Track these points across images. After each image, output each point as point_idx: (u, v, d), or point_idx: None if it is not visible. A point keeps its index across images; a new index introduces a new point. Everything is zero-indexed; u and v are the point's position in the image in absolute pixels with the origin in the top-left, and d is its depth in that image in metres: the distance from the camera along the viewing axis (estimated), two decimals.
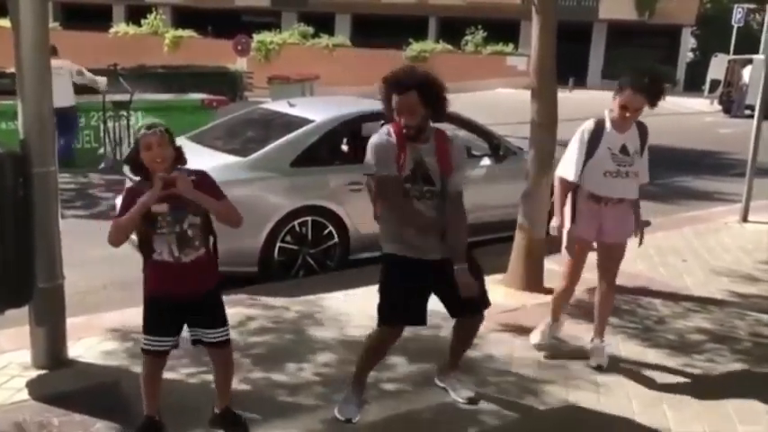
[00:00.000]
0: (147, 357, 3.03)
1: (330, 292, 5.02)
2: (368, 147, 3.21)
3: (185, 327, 3.04)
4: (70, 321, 3.86)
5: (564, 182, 3.86)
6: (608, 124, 3.78)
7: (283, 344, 4.19)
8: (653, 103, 3.73)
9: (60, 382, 3.57)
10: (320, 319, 4.59)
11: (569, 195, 3.87)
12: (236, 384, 3.63)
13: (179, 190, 2.79)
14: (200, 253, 2.94)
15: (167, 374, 3.68)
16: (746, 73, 21.37)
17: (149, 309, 2.99)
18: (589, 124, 3.82)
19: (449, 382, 3.69)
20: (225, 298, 4.52)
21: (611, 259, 3.97)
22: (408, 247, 3.24)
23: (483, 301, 3.43)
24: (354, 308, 4.70)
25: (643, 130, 3.88)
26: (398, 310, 3.29)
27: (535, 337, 4.22)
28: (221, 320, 3.05)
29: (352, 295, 4.95)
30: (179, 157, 2.94)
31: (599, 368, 3.97)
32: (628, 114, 3.69)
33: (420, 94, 3.08)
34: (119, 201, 2.96)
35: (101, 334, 4.16)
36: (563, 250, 3.98)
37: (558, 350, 4.20)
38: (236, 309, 4.64)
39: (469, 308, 3.38)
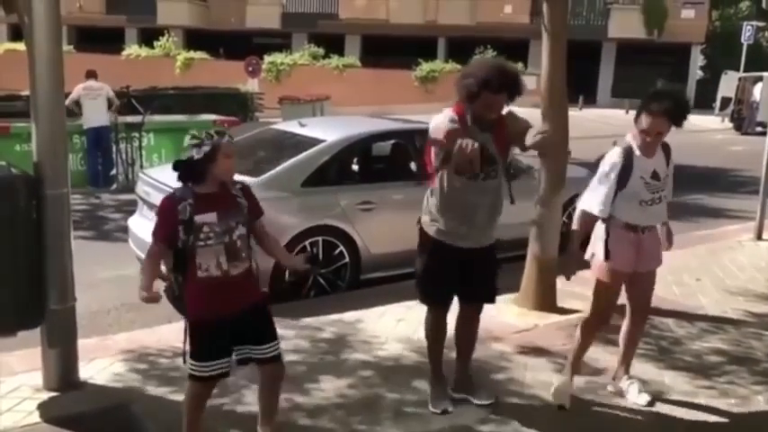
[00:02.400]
0: (197, 384, 2.85)
1: (342, 312, 4.99)
2: (433, 122, 3.41)
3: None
4: (81, 343, 3.86)
5: (587, 215, 3.59)
6: (637, 152, 3.53)
7: (302, 365, 4.16)
8: (678, 124, 3.50)
9: (72, 404, 3.56)
10: (345, 340, 4.56)
11: (601, 228, 3.62)
12: (252, 406, 3.61)
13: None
14: (247, 265, 2.84)
15: (182, 397, 3.68)
16: (757, 90, 21.31)
17: (198, 332, 2.80)
18: (618, 157, 3.51)
19: (466, 390, 3.74)
20: None
21: (645, 288, 3.77)
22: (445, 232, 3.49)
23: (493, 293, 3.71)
24: (380, 328, 4.68)
25: (667, 151, 3.65)
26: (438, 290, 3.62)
27: (560, 398, 3.72)
28: (271, 334, 2.93)
29: (368, 314, 4.93)
30: None
31: (650, 404, 3.75)
32: (649, 140, 3.47)
33: (509, 95, 3.35)
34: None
35: (112, 355, 4.15)
36: (595, 285, 3.70)
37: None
38: None
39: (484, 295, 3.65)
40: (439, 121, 3.38)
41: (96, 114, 10.13)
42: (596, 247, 3.66)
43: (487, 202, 3.51)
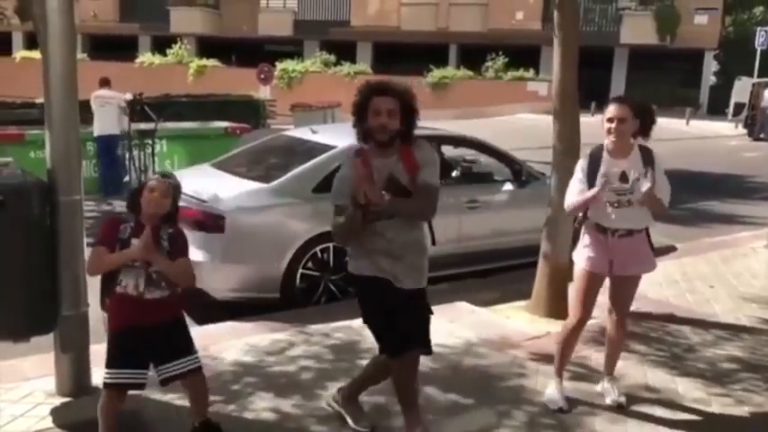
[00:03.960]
0: (108, 392, 3.08)
1: (353, 319, 4.98)
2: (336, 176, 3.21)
3: (152, 368, 3.12)
4: (94, 349, 3.87)
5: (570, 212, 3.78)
6: (605, 153, 3.63)
7: (313, 371, 4.16)
8: (639, 116, 3.57)
9: (84, 409, 3.56)
10: (347, 346, 4.56)
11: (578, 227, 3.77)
12: (261, 413, 3.62)
13: (149, 257, 2.98)
14: (165, 294, 3.08)
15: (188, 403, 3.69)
16: (767, 95, 21.10)
17: (113, 342, 3.07)
18: (584, 159, 3.73)
19: (349, 410, 3.51)
20: (248, 324, 4.52)
21: (621, 294, 3.78)
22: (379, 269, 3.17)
23: (423, 338, 3.27)
24: None
25: (647, 155, 3.64)
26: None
27: (554, 404, 3.78)
28: (186, 350, 3.15)
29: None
30: (172, 215, 3.13)
31: (620, 406, 3.79)
32: (614, 125, 3.52)
33: (400, 101, 3.12)
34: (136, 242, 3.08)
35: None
36: (572, 285, 3.81)
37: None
38: (261, 335, 4.65)
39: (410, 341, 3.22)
40: (339, 175, 3.17)
41: (105, 123, 10.19)
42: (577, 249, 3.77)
43: (408, 240, 3.19)
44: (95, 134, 10.15)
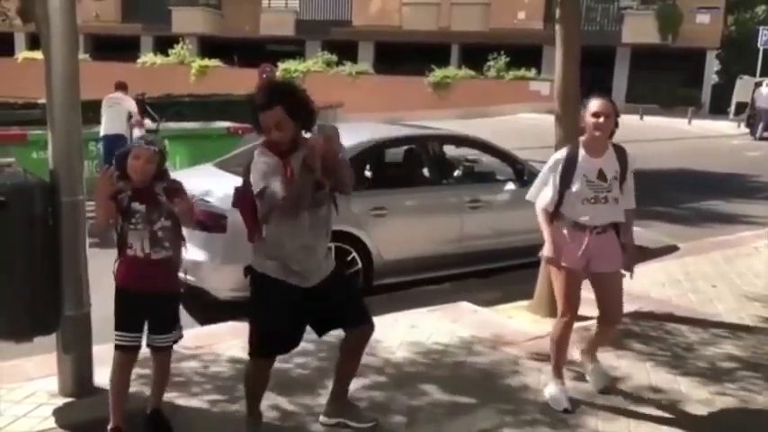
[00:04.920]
0: (120, 354, 3.26)
1: None
2: (252, 168, 3.13)
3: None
4: (97, 349, 3.88)
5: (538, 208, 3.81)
6: (582, 151, 3.69)
7: (314, 370, 4.17)
8: (616, 112, 3.69)
9: (87, 410, 3.58)
10: None
11: (555, 227, 3.75)
12: (263, 411, 3.62)
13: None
14: (170, 254, 3.28)
15: (191, 402, 3.70)
16: (763, 93, 20.92)
17: (120, 303, 3.25)
18: (561, 153, 3.77)
19: (346, 414, 3.48)
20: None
21: (608, 290, 3.80)
22: (289, 272, 3.15)
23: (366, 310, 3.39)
24: (383, 334, 4.65)
25: (622, 155, 3.73)
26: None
27: (558, 404, 3.77)
28: (169, 326, 3.33)
29: (382, 322, 4.91)
30: (161, 174, 3.28)
31: (606, 390, 3.89)
32: (602, 120, 3.58)
33: (285, 109, 3.03)
34: (136, 206, 3.25)
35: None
36: (556, 283, 3.82)
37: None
38: None
39: (360, 316, 3.33)
40: (255, 161, 3.13)
41: (110, 123, 10.22)
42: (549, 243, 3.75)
43: (317, 238, 3.20)
44: (102, 133, 10.18)
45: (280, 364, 4.17)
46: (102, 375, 3.90)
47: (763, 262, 6.90)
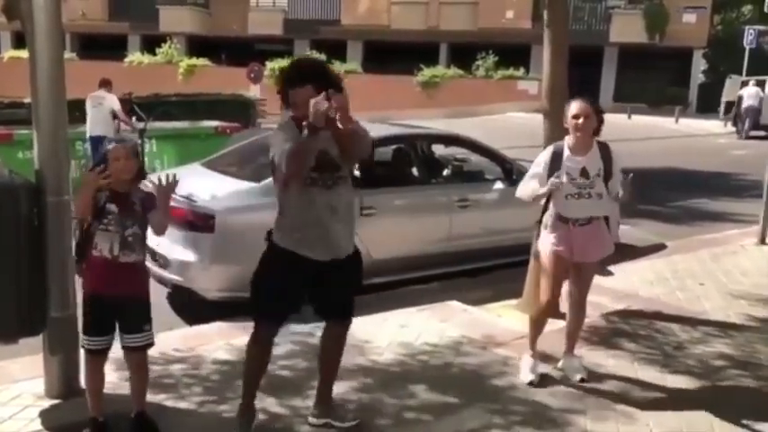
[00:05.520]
0: (90, 356, 3.31)
1: None
2: (271, 143, 3.25)
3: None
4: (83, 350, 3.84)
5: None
6: (566, 151, 3.92)
7: (302, 370, 4.15)
8: (598, 109, 3.90)
9: (73, 411, 3.54)
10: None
11: (544, 218, 4.07)
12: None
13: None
14: (138, 258, 3.28)
15: (178, 404, 3.68)
16: (746, 93, 21.03)
17: (87, 309, 3.24)
18: (547, 152, 3.99)
19: (331, 414, 3.50)
20: (242, 324, 4.51)
21: (580, 279, 4.09)
22: (300, 245, 3.23)
23: (351, 307, 3.46)
24: (371, 333, 4.66)
25: (606, 152, 3.95)
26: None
27: (526, 376, 4.06)
28: (142, 326, 3.30)
29: (370, 321, 4.91)
30: (140, 171, 3.30)
31: (582, 381, 4.03)
32: (581, 121, 3.82)
33: (316, 87, 3.05)
34: (111, 206, 3.23)
35: (113, 362, 4.10)
36: (542, 268, 4.11)
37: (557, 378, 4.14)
38: (247, 336, 4.61)
39: (341, 310, 3.42)
40: (276, 128, 3.29)
41: (94, 123, 10.13)
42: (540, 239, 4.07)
43: (336, 216, 3.22)
44: (88, 134, 10.09)
45: (273, 364, 4.17)
46: None
47: (750, 260, 6.94)
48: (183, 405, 3.70)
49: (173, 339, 4.59)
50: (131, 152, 3.24)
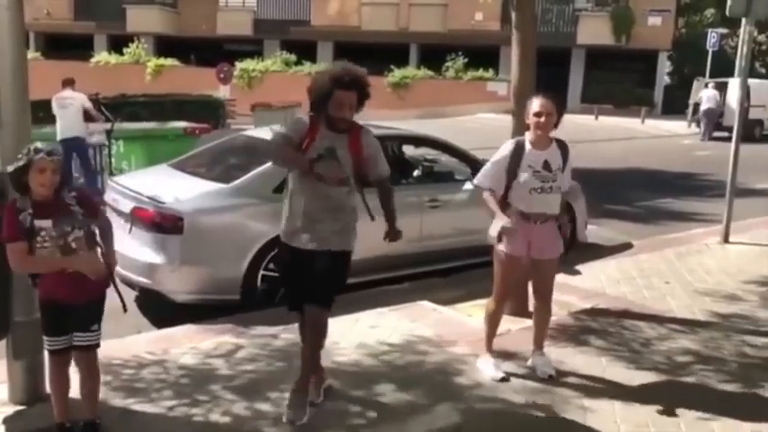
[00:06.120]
0: (52, 357, 3.26)
1: None
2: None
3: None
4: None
5: (479, 188, 4.09)
6: (528, 145, 3.98)
7: (269, 373, 4.13)
8: (560, 108, 3.97)
9: (38, 417, 3.48)
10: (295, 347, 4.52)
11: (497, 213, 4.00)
12: (218, 417, 3.58)
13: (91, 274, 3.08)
14: None
15: (146, 408, 3.63)
16: (704, 95, 21.35)
17: (44, 312, 3.22)
18: (508, 145, 4.04)
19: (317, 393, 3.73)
20: (210, 326, 4.49)
21: (543, 275, 4.14)
22: (291, 236, 3.56)
23: (326, 297, 3.60)
24: (339, 334, 4.65)
25: (564, 148, 4.05)
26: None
27: (491, 374, 4.12)
28: (90, 326, 3.21)
29: (338, 322, 4.90)
30: (63, 182, 3.12)
31: (550, 378, 4.09)
32: (543, 119, 3.88)
33: (359, 94, 3.46)
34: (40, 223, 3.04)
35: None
36: (495, 268, 4.16)
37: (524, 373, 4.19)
38: (222, 338, 4.59)
39: (314, 296, 3.56)
40: (294, 118, 3.66)
41: (65, 125, 9.80)
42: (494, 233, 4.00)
43: (328, 207, 3.51)
44: (59, 137, 9.70)
45: (230, 371, 4.14)
46: None
47: (714, 258, 7.09)
48: (151, 409, 3.66)
49: (141, 343, 4.54)
50: (58, 165, 3.03)
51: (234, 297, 5.20)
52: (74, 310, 3.16)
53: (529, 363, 4.25)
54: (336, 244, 3.56)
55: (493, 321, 4.24)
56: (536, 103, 3.93)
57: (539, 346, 4.28)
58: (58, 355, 3.26)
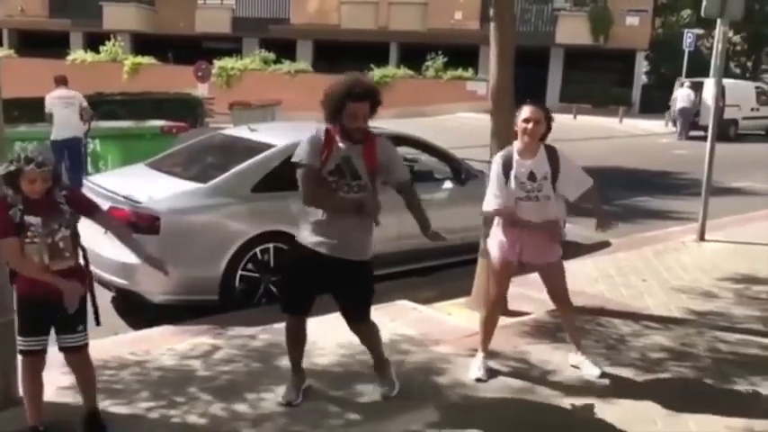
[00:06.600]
0: (26, 359, 3.23)
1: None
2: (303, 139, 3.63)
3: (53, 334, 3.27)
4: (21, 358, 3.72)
5: (487, 214, 4.17)
6: (515, 155, 4.00)
7: (246, 374, 4.11)
8: (548, 114, 3.99)
9: (10, 422, 3.43)
10: (281, 347, 4.49)
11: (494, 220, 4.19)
12: (195, 418, 3.55)
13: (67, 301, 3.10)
14: (71, 263, 3.18)
15: (125, 410, 3.59)
16: (679, 95, 21.55)
17: (22, 311, 3.20)
18: (498, 158, 4.06)
19: (378, 378, 3.93)
20: (187, 327, 4.46)
21: (552, 281, 4.20)
22: (314, 241, 3.60)
23: (362, 313, 3.77)
24: (321, 335, 4.63)
25: (553, 155, 4.02)
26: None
27: (475, 373, 4.13)
28: (76, 327, 3.24)
29: (320, 322, 4.88)
30: (56, 182, 3.14)
31: (600, 377, 4.14)
32: (531, 125, 3.90)
33: (371, 104, 3.54)
34: (30, 219, 3.09)
35: (54, 369, 4.00)
36: (491, 271, 4.23)
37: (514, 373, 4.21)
38: (200, 338, 4.56)
39: (351, 312, 3.76)
40: (306, 137, 3.63)
41: (66, 124, 9.46)
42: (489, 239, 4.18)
43: (343, 218, 3.57)
44: (61, 137, 9.40)
45: (208, 372, 4.11)
46: None
47: (690, 256, 7.17)
48: (128, 411, 3.62)
49: (118, 344, 4.49)
50: (48, 177, 3.07)
51: (212, 297, 5.17)
52: (52, 307, 3.13)
53: (572, 362, 4.30)
54: (364, 253, 3.66)
55: (489, 325, 4.27)
56: (525, 110, 3.96)
57: (577, 347, 4.32)
58: (33, 357, 3.22)
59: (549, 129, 4.01)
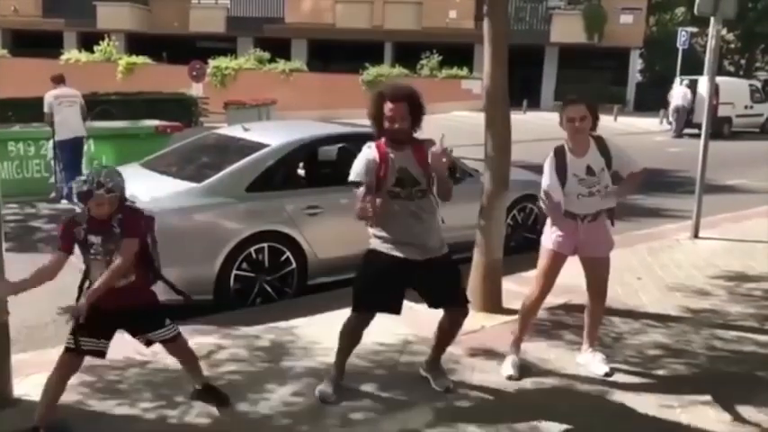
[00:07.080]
0: (71, 359, 3.30)
1: (290, 320, 4.94)
2: (358, 156, 3.74)
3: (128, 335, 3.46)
4: (16, 358, 3.72)
5: (547, 194, 4.02)
6: (568, 153, 3.98)
7: (247, 375, 4.10)
8: (594, 111, 3.96)
9: (4, 422, 3.42)
10: (285, 347, 4.51)
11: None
12: (194, 418, 3.55)
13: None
14: (130, 279, 3.34)
15: (125, 410, 3.59)
16: (674, 93, 21.58)
17: (89, 315, 3.22)
18: (550, 159, 4.02)
19: (431, 373, 4.00)
20: (194, 327, 4.45)
21: (598, 274, 4.17)
22: (392, 247, 3.68)
23: (463, 296, 3.90)
24: (319, 334, 4.64)
25: (602, 145, 4.02)
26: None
27: (507, 370, 4.15)
28: (161, 322, 3.46)
29: (317, 321, 4.89)
30: (118, 210, 3.32)
31: (606, 375, 4.13)
32: (577, 124, 3.88)
33: (408, 105, 3.63)
34: (92, 238, 3.29)
35: (49, 370, 3.99)
36: (539, 263, 4.16)
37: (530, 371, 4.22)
38: (205, 338, 4.54)
39: (452, 300, 3.80)
40: (359, 156, 3.73)
41: (70, 124, 9.43)
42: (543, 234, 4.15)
43: (420, 222, 3.68)
44: (67, 136, 9.37)
45: (211, 372, 4.10)
46: (22, 387, 3.74)
47: (685, 253, 7.19)
48: (129, 411, 3.62)
49: (119, 344, 4.45)
50: (115, 202, 3.27)
51: (207, 297, 5.16)
52: (120, 315, 3.31)
53: (580, 360, 4.28)
54: (443, 247, 3.77)
55: (527, 317, 4.24)
56: (569, 109, 3.93)
57: (591, 343, 4.31)
58: (73, 356, 3.30)
59: (596, 118, 3.98)
